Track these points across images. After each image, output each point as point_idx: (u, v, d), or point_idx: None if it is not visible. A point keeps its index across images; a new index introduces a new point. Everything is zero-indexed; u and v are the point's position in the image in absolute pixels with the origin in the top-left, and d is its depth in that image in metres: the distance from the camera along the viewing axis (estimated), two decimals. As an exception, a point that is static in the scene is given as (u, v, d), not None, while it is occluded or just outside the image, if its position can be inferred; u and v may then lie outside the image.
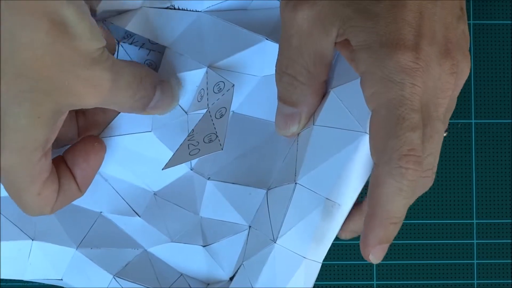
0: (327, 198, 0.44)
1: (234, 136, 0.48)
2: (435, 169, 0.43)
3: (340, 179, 0.44)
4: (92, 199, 0.49)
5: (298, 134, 0.47)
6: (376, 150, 0.40)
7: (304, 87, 0.44)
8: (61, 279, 0.48)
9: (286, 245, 0.45)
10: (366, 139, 0.44)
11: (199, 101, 0.48)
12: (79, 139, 0.46)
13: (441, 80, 0.40)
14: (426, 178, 0.43)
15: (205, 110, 0.48)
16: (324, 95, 0.45)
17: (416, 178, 0.39)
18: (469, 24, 0.57)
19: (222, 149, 0.44)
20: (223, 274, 0.49)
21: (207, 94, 0.48)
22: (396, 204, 0.39)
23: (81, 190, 0.45)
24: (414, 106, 0.39)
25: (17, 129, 0.39)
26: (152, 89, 0.45)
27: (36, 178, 0.42)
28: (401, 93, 0.39)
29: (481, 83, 0.57)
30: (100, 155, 0.46)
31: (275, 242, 0.45)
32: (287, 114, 0.45)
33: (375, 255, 0.40)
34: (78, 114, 0.48)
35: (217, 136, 0.45)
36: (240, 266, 0.48)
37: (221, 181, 0.49)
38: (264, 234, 0.46)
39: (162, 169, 0.45)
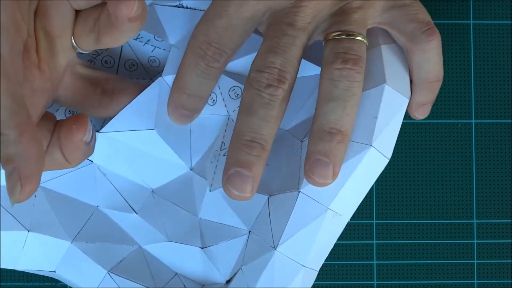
0: (329, 208, 0.44)
1: None
2: None
3: (344, 189, 0.44)
4: (89, 193, 0.50)
5: (302, 142, 0.47)
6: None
7: None
8: (54, 271, 0.48)
9: (286, 253, 0.45)
10: (370, 151, 0.44)
11: (211, 105, 0.48)
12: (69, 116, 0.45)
13: None
14: None
15: (215, 115, 0.47)
16: None
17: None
18: (469, 24, 0.57)
19: None
20: (220, 276, 0.49)
21: (223, 99, 0.47)
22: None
23: (68, 161, 0.44)
24: None
25: None
26: None
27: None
28: None
29: (481, 83, 0.57)
30: (78, 136, 0.43)
31: (275, 249, 0.45)
32: None
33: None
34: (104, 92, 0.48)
35: None
36: (238, 270, 0.48)
37: None
38: (264, 240, 0.46)
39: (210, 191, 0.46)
